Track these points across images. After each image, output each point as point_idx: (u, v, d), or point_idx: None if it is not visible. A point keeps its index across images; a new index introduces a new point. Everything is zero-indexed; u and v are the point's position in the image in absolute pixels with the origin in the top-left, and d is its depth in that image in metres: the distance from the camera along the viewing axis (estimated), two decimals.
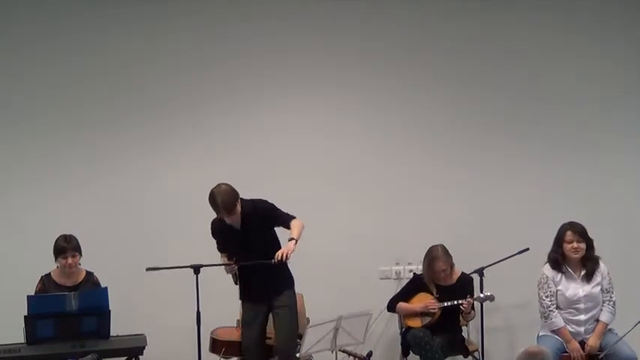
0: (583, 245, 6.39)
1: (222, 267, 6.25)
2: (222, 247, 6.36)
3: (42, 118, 7.35)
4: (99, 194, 7.37)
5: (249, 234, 6.18)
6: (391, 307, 6.96)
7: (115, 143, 7.40)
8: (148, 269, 6.14)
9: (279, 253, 5.99)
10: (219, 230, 6.30)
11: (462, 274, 6.93)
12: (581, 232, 6.39)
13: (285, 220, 6.22)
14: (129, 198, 7.40)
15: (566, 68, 7.64)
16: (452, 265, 6.86)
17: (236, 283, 6.29)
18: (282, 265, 6.12)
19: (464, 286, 6.86)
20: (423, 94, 7.59)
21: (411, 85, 7.58)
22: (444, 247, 6.84)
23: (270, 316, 6.33)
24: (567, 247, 6.41)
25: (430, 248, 6.87)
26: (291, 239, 6.08)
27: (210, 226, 6.35)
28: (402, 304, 6.91)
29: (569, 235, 6.41)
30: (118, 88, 7.40)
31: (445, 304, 6.71)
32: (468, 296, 6.73)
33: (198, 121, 7.47)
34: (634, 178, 7.67)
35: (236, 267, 6.18)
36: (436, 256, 6.81)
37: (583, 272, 6.43)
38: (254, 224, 6.19)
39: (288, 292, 6.32)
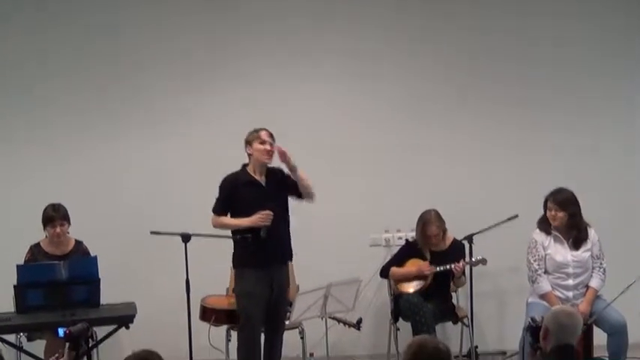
0: (561, 214, 6.42)
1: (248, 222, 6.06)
2: (225, 207, 6.20)
3: (30, 89, 7.31)
4: (88, 163, 7.35)
5: (272, 193, 6.16)
6: (384, 273, 6.99)
7: (105, 112, 7.37)
8: (152, 233, 6.17)
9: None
10: (232, 187, 6.17)
11: (454, 239, 6.97)
12: (560, 202, 6.42)
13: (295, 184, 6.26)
14: (118, 167, 7.38)
15: (556, 33, 7.59)
16: (444, 230, 6.90)
17: (264, 237, 6.06)
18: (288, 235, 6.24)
19: (456, 251, 6.90)
20: (414, 60, 7.55)
21: (402, 52, 7.54)
22: (437, 212, 6.88)
23: None
24: (548, 214, 6.47)
25: (423, 213, 6.91)
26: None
27: (223, 182, 6.20)
28: (395, 269, 6.94)
29: (549, 204, 6.47)
30: (108, 57, 7.35)
31: (438, 268, 6.75)
32: (461, 260, 6.76)
33: (191, 90, 7.42)
34: (624, 145, 7.66)
35: (271, 218, 6.04)
36: (429, 220, 6.85)
37: (571, 239, 6.46)
38: (275, 185, 6.19)
39: (287, 267, 6.33)
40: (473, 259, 6.80)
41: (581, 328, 4.57)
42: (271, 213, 6.04)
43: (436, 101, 7.55)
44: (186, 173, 7.34)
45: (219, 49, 7.44)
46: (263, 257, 6.10)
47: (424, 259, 6.89)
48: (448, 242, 6.97)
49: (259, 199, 6.11)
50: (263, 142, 6.12)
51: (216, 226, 6.23)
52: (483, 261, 6.78)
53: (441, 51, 7.55)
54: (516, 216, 6.98)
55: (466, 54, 7.55)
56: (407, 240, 7.15)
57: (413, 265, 6.89)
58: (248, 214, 6.08)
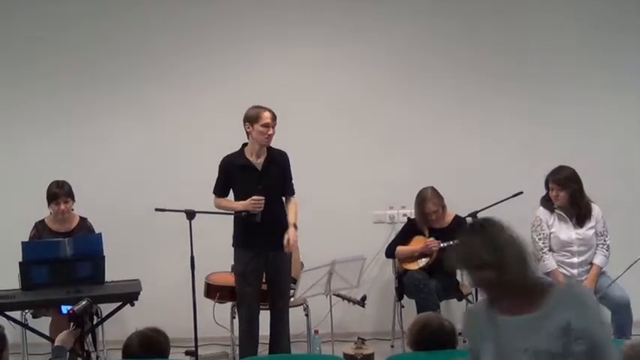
0: (563, 193, 6.41)
1: (244, 206, 6.09)
2: (222, 188, 6.26)
3: (36, 62, 7.32)
4: (93, 140, 7.36)
5: (266, 177, 6.15)
6: (390, 252, 6.99)
7: (109, 88, 7.37)
8: (157, 210, 6.17)
9: (287, 240, 6.09)
10: (228, 169, 6.20)
11: (456, 216, 6.95)
12: (560, 181, 6.41)
13: (289, 188, 6.31)
14: (123, 144, 7.38)
15: (566, 5, 7.54)
16: (443, 207, 6.89)
17: (258, 222, 6.08)
18: (285, 220, 6.22)
19: (458, 227, 6.84)
20: (418, 37, 7.52)
21: (408, 29, 7.50)
22: (434, 189, 6.87)
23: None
24: (550, 194, 6.48)
25: (420, 191, 6.90)
26: (292, 225, 6.19)
27: (220, 164, 6.25)
28: (401, 248, 6.93)
29: (550, 184, 6.47)
30: (116, 30, 7.35)
31: (444, 244, 6.73)
32: None
33: (192, 62, 7.41)
34: (628, 118, 7.59)
35: (262, 204, 6.05)
36: (426, 197, 6.84)
37: (575, 216, 6.45)
38: (273, 170, 6.18)
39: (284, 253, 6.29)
40: None
41: None
42: (263, 199, 6.05)
43: (440, 78, 7.51)
44: (191, 150, 7.33)
45: (217, 22, 7.42)
46: (256, 241, 6.14)
47: (424, 236, 6.88)
48: (449, 219, 6.95)
49: (252, 184, 6.12)
50: (266, 126, 6.06)
51: (216, 206, 6.29)
52: None
53: (447, 27, 7.49)
54: (521, 192, 6.94)
55: (470, 30, 7.50)
56: (409, 218, 7.14)
57: (418, 242, 6.88)
58: (242, 198, 6.13)
